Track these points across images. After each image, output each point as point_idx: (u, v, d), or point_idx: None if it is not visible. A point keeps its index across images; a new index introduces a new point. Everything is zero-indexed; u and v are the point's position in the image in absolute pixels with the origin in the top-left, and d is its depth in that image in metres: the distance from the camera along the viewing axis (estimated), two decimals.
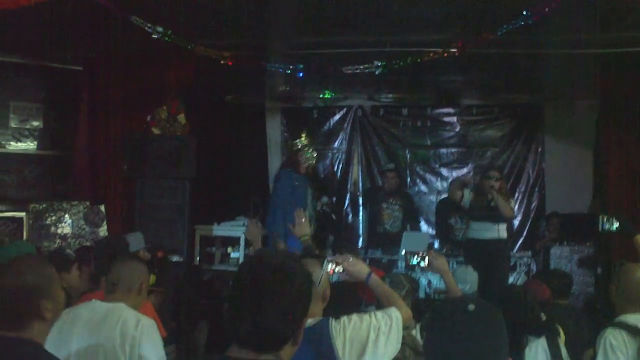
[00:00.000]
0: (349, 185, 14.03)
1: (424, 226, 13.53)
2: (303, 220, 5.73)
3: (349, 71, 8.62)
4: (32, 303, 3.07)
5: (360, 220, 13.65)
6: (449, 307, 2.50)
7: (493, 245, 9.54)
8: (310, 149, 10.01)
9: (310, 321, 3.79)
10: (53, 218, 9.58)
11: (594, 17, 8.53)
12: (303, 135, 10.19)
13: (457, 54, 8.31)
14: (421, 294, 10.35)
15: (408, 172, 13.92)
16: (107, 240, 7.47)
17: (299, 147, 10.03)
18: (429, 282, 10.55)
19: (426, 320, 2.63)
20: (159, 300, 6.61)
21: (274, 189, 10.23)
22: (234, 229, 10.91)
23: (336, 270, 4.15)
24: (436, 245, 11.79)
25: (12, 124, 10.17)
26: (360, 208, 13.71)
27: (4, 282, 3.10)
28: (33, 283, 3.10)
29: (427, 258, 4.89)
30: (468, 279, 6.87)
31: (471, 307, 2.38)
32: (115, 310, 4.37)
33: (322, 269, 4.07)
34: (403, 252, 9.86)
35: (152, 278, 5.26)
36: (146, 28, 8.06)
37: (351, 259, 4.27)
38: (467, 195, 9.81)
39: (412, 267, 9.00)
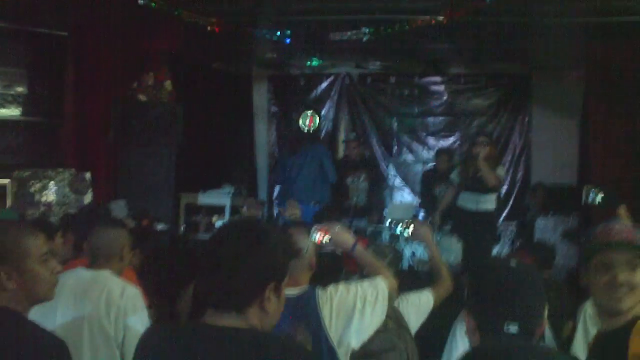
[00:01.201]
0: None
1: (409, 196, 13.55)
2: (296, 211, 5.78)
3: (337, 38, 8.58)
4: None
5: None
6: (492, 264, 2.64)
7: (479, 217, 9.51)
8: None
9: (296, 290, 3.80)
10: (38, 185, 9.51)
11: None
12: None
13: (445, 21, 8.28)
14: (404, 265, 10.37)
15: (395, 140, 13.92)
16: (90, 208, 7.44)
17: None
18: (413, 253, 10.54)
19: (469, 276, 2.72)
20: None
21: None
22: (220, 196, 10.89)
23: (323, 240, 4.16)
24: (421, 215, 11.78)
25: None
26: None
27: None
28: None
29: (411, 226, 4.89)
30: (452, 249, 6.87)
31: (512, 264, 2.55)
32: (100, 278, 4.37)
33: (309, 238, 4.08)
34: (387, 222, 9.97)
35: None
36: None
37: (337, 227, 4.28)
38: (455, 174, 9.77)
39: (396, 237, 9.10)
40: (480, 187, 9.42)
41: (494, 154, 9.63)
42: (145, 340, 2.66)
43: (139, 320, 4.30)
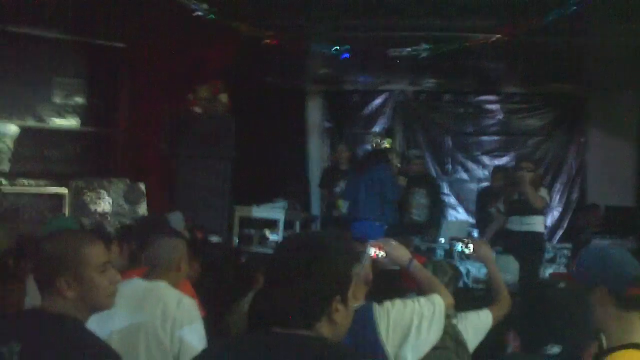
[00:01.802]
0: None
1: (463, 215, 13.46)
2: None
3: (396, 54, 8.56)
4: (50, 276, 2.98)
5: None
6: (541, 284, 2.61)
7: (527, 238, 9.47)
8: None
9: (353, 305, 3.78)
10: (92, 195, 9.61)
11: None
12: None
13: (502, 40, 8.22)
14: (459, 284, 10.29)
15: (449, 158, 13.85)
16: (148, 218, 7.47)
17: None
18: (468, 272, 10.46)
19: (519, 296, 2.70)
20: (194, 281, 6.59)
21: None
22: (274, 210, 10.90)
23: (379, 255, 4.14)
24: (475, 233, 11.69)
25: (56, 100, 10.20)
26: None
27: (40, 250, 3.04)
28: (55, 256, 3.00)
29: (471, 245, 4.85)
30: (510, 269, 6.80)
31: (561, 285, 2.46)
32: (156, 289, 4.37)
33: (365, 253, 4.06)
34: (442, 240, 9.92)
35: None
36: (190, 5, 8.05)
37: (393, 243, 4.25)
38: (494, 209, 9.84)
39: (451, 254, 9.04)
40: (526, 209, 9.43)
41: (537, 178, 9.67)
42: (208, 351, 2.64)
43: (195, 332, 4.28)
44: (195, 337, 4.24)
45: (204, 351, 2.61)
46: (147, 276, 4.48)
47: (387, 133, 11.99)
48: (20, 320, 3.16)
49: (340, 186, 11.35)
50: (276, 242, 10.51)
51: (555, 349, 2.41)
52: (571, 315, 2.45)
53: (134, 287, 4.38)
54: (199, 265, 6.61)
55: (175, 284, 4.49)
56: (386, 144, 10.52)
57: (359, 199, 10.06)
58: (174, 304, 4.26)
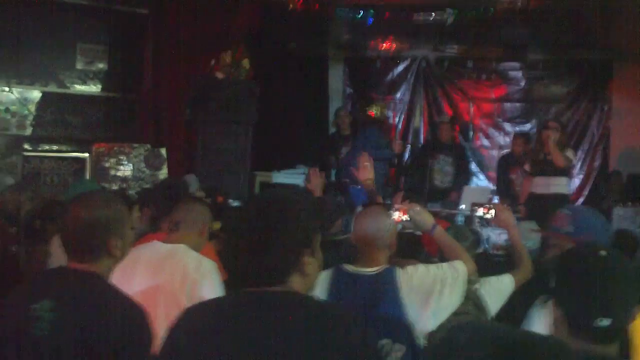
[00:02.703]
0: (410, 137, 13.93)
1: (484, 181, 13.42)
2: (367, 164, 5.75)
3: (421, 19, 8.51)
4: (103, 238, 3.10)
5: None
6: (581, 252, 2.55)
7: (552, 200, 9.41)
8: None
9: (374, 269, 3.79)
10: (114, 160, 9.65)
11: None
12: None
13: (530, 6, 8.15)
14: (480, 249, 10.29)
15: (471, 125, 13.79)
16: (168, 183, 7.49)
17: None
18: (488, 238, 10.43)
19: (555, 264, 2.64)
20: (220, 246, 6.62)
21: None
22: (294, 176, 10.91)
23: (403, 219, 4.15)
24: (496, 200, 11.66)
25: (78, 66, 10.24)
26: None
27: (79, 214, 3.12)
28: (106, 218, 3.13)
29: (493, 211, 4.85)
30: (532, 235, 6.75)
31: (603, 253, 2.43)
32: (177, 251, 4.37)
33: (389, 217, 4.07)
34: (463, 206, 9.90)
35: (217, 224, 5.26)
36: None
37: (417, 208, 4.25)
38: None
39: (471, 220, 9.02)
40: (551, 170, 9.42)
41: (563, 139, 9.60)
42: (188, 314, 2.64)
43: (215, 293, 4.30)
44: (214, 296, 4.26)
45: (184, 317, 2.60)
46: (168, 239, 4.50)
47: (373, 101, 11.93)
48: (50, 278, 3.24)
49: (343, 152, 11.35)
50: None
51: (604, 322, 2.36)
52: (618, 284, 2.40)
53: (154, 250, 4.40)
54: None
55: (196, 248, 4.50)
56: (373, 110, 10.49)
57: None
58: (193, 266, 4.27)
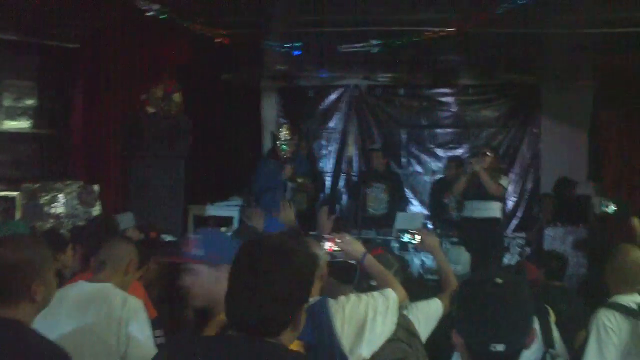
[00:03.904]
0: (343, 165, 14.00)
1: (418, 207, 13.53)
2: (290, 209, 5.85)
3: (347, 49, 8.57)
4: (24, 283, 3.01)
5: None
6: (477, 280, 2.59)
7: (486, 224, 9.54)
8: (287, 143, 10.21)
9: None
10: (46, 198, 9.51)
11: None
12: (284, 128, 10.44)
13: (455, 33, 8.27)
14: (414, 274, 10.38)
15: (403, 152, 13.91)
16: (98, 221, 7.42)
17: (280, 138, 10.40)
18: (423, 262, 10.55)
19: (457, 293, 2.69)
20: (148, 281, 6.56)
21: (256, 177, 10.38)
22: (228, 208, 10.90)
23: (334, 249, 4.18)
24: (430, 225, 11.77)
25: (5, 103, 10.10)
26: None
27: (1, 257, 3.04)
28: (28, 263, 3.04)
29: (418, 236, 4.92)
30: (461, 260, 6.86)
31: (499, 280, 2.49)
32: (102, 290, 4.34)
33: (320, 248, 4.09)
34: (395, 232, 9.99)
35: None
36: (142, 5, 8.00)
37: (347, 237, 4.28)
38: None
39: (405, 247, 9.11)
40: (483, 194, 9.50)
41: (494, 164, 9.71)
42: (171, 348, 2.63)
43: (141, 330, 4.27)
44: (142, 334, 4.23)
45: (168, 349, 2.59)
46: (94, 278, 4.46)
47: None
48: None
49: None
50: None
51: (499, 347, 2.43)
52: (510, 312, 2.47)
53: (79, 289, 4.37)
54: (155, 265, 6.60)
55: (123, 287, 4.47)
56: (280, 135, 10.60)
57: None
58: (119, 304, 4.25)
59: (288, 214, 5.84)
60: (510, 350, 2.44)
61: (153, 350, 4.14)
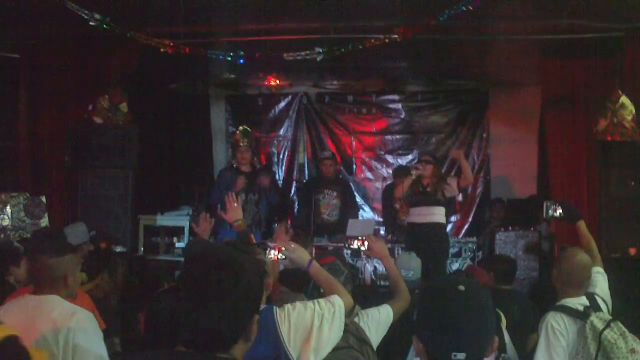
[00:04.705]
0: (295, 173, 14.01)
1: (369, 213, 13.57)
2: (235, 204, 5.80)
3: (291, 58, 8.56)
4: None
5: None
6: (439, 287, 2.57)
7: (430, 229, 9.60)
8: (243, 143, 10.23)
9: None
10: None
11: (535, 4, 8.63)
12: (238, 131, 10.48)
13: (399, 39, 8.30)
14: (367, 280, 10.42)
15: (354, 159, 13.95)
16: (44, 232, 7.34)
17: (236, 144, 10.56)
18: (375, 268, 10.59)
19: (418, 298, 2.67)
20: (103, 292, 6.51)
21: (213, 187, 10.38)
22: (179, 218, 10.84)
23: (279, 257, 4.17)
24: (382, 232, 11.81)
25: None
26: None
27: None
28: None
29: (366, 242, 4.93)
30: (412, 266, 6.85)
31: (461, 287, 2.47)
32: (48, 302, 4.26)
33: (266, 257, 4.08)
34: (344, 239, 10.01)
35: (82, 275, 5.15)
36: (83, 15, 7.92)
37: (292, 245, 4.27)
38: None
39: (358, 253, 9.13)
40: (427, 200, 9.61)
41: (436, 171, 9.79)
42: None
43: (90, 340, 4.18)
44: (90, 344, 4.14)
45: None
46: (37, 292, 4.38)
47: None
48: None
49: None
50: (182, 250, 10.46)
51: (459, 356, 2.41)
52: (472, 320, 2.46)
53: (24, 303, 4.29)
54: (107, 275, 6.56)
55: (67, 297, 4.40)
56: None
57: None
58: (67, 316, 4.17)
59: (235, 211, 5.79)
60: (471, 359, 2.43)
61: None
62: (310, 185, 12.31)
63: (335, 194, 11.63)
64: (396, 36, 8.20)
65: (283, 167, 14.10)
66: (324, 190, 11.63)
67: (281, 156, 14.10)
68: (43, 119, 10.22)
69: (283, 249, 4.22)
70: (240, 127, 11.22)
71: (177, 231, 10.95)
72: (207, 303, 2.41)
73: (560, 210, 5.96)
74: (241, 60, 8.89)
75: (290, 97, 14.08)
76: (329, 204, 11.59)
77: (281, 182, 13.80)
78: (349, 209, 11.85)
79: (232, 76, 12.78)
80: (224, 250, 2.67)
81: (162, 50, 8.60)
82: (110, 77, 10.28)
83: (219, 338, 2.43)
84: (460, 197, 12.91)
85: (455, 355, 2.40)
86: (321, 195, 11.58)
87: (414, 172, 9.55)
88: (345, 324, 3.97)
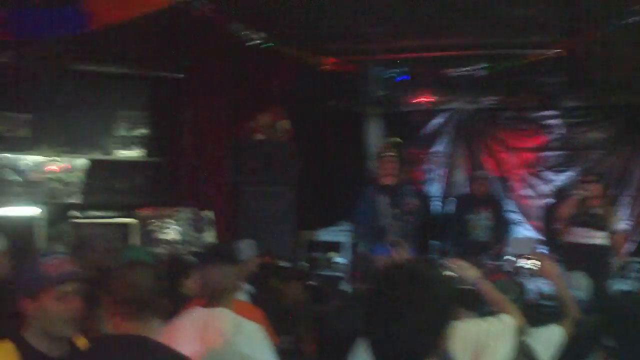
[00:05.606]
0: (450, 189, 13.92)
1: (528, 232, 13.31)
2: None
3: (453, 74, 8.55)
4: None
5: None
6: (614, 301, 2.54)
7: (590, 252, 9.40)
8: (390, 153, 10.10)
9: None
10: (159, 224, 9.71)
11: None
12: (388, 141, 10.39)
13: (561, 55, 8.18)
14: (529, 300, 10.23)
15: (512, 176, 13.74)
16: (215, 247, 7.54)
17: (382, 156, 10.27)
18: (537, 288, 10.38)
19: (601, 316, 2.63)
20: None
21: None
22: (338, 233, 10.93)
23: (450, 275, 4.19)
24: (544, 251, 11.55)
25: (120, 133, 10.39)
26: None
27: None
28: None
29: (537, 262, 4.85)
30: (581, 285, 6.70)
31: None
32: (217, 315, 4.40)
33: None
34: (509, 257, 9.86)
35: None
36: (247, 35, 8.13)
37: (462, 264, 4.27)
38: None
39: (518, 271, 8.98)
40: (592, 222, 9.40)
41: (600, 191, 9.58)
42: None
43: (257, 352, 4.28)
44: (260, 355, 4.23)
45: None
46: (205, 304, 4.53)
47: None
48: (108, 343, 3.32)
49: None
50: (342, 265, 10.53)
51: None
52: None
53: (193, 317, 4.43)
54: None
55: (235, 310, 4.51)
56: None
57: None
58: (231, 329, 4.28)
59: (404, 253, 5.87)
60: None
61: None
62: (461, 204, 12.17)
63: (486, 214, 11.44)
64: (559, 50, 8.09)
65: (439, 184, 14.03)
66: (475, 209, 11.46)
67: (438, 172, 14.03)
68: (206, 135, 10.51)
69: (452, 266, 4.22)
70: (391, 139, 11.15)
71: (334, 246, 11.03)
72: (401, 317, 2.38)
73: None
74: (406, 77, 8.93)
75: (446, 113, 14.02)
76: (480, 224, 11.42)
77: (437, 198, 13.73)
78: (500, 229, 11.65)
79: (388, 93, 12.83)
80: (414, 265, 2.67)
81: (322, 67, 8.73)
82: (271, 94, 10.50)
83: (414, 353, 2.39)
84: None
85: None
86: (472, 215, 11.43)
87: (579, 192, 9.32)
88: (516, 344, 3.94)
